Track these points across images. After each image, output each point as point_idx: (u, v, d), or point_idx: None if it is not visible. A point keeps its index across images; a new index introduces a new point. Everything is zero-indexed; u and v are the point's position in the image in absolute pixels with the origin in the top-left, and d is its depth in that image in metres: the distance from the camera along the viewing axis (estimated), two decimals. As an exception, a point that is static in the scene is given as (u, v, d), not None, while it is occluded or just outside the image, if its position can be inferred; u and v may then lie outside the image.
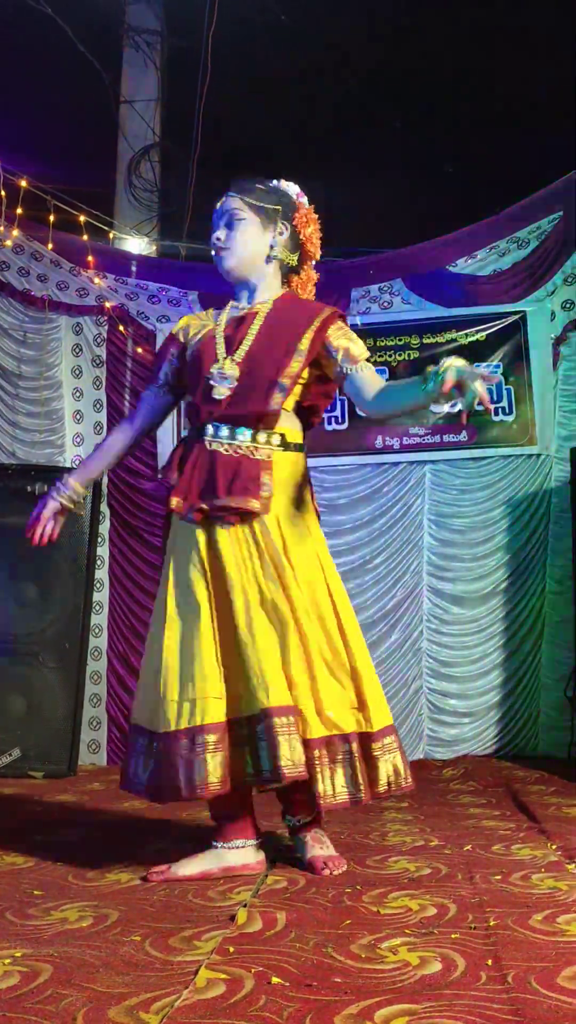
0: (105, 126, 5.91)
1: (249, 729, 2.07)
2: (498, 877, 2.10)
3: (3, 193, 4.62)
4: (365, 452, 4.97)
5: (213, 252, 2.43)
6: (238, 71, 5.83)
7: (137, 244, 5.85)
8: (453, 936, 1.65)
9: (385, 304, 5.07)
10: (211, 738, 2.05)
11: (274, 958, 1.52)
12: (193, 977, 1.42)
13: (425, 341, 4.95)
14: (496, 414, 4.86)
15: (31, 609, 4.35)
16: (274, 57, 6.08)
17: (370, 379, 2.31)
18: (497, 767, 4.37)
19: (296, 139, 5.92)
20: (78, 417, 5.13)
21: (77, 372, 5.13)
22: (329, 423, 5.00)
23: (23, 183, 4.71)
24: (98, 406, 5.10)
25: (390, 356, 4.98)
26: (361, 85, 6.05)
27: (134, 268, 5.18)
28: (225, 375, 2.28)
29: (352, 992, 1.36)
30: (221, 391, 2.27)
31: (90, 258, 5.08)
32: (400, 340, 4.97)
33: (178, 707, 2.09)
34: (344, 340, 2.34)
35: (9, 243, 4.96)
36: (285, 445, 2.30)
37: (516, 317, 4.89)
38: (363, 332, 4.96)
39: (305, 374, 2.34)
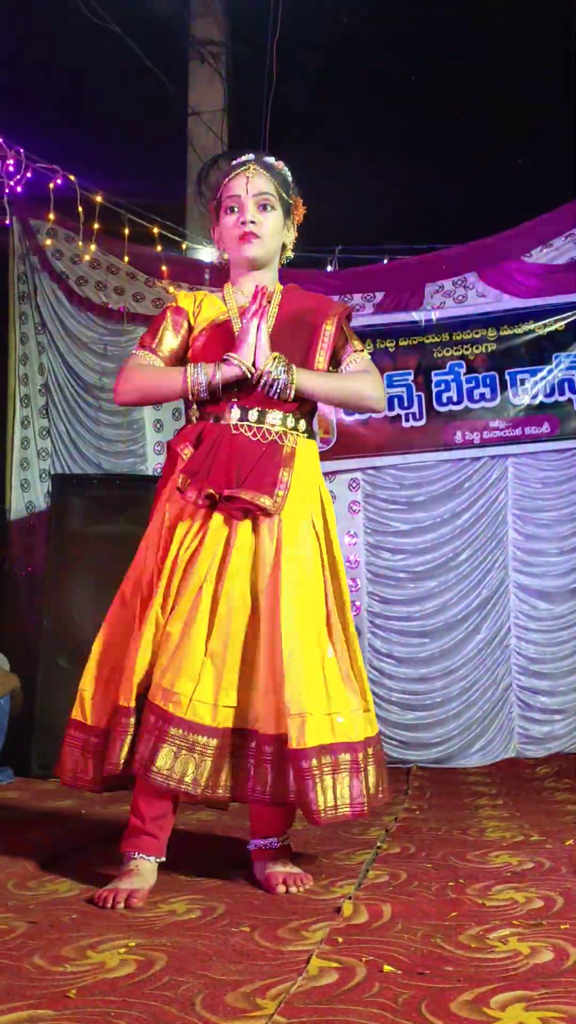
0: (174, 138, 6.00)
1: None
2: (604, 870, 2.06)
3: (80, 209, 4.73)
4: (444, 448, 4.94)
5: (238, 233, 2.21)
6: (303, 76, 5.87)
7: (210, 253, 5.92)
8: (563, 927, 1.63)
9: (459, 298, 5.03)
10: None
11: (384, 948, 1.53)
12: (305, 965, 1.43)
13: (502, 333, 4.90)
14: (577, 405, 4.79)
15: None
16: (339, 61, 6.11)
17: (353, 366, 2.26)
18: (592, 764, 4.29)
19: (365, 139, 5.92)
20: (158, 426, 5.21)
21: (156, 381, 5.21)
22: (407, 420, 4.98)
23: (98, 199, 4.82)
24: (177, 415, 5.18)
25: (467, 350, 4.93)
26: (427, 85, 6.03)
27: (207, 276, 5.24)
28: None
29: (465, 980, 1.36)
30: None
31: (164, 268, 5.16)
32: (476, 333, 4.92)
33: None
34: (351, 336, 2.30)
35: (88, 257, 5.08)
36: (309, 433, 2.24)
37: (596, 305, 4.80)
38: (438, 327, 4.97)
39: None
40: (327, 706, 1.99)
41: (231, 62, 6.26)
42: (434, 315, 5.00)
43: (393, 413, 4.99)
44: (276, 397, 2.12)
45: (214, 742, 1.96)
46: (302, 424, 2.20)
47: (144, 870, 1.99)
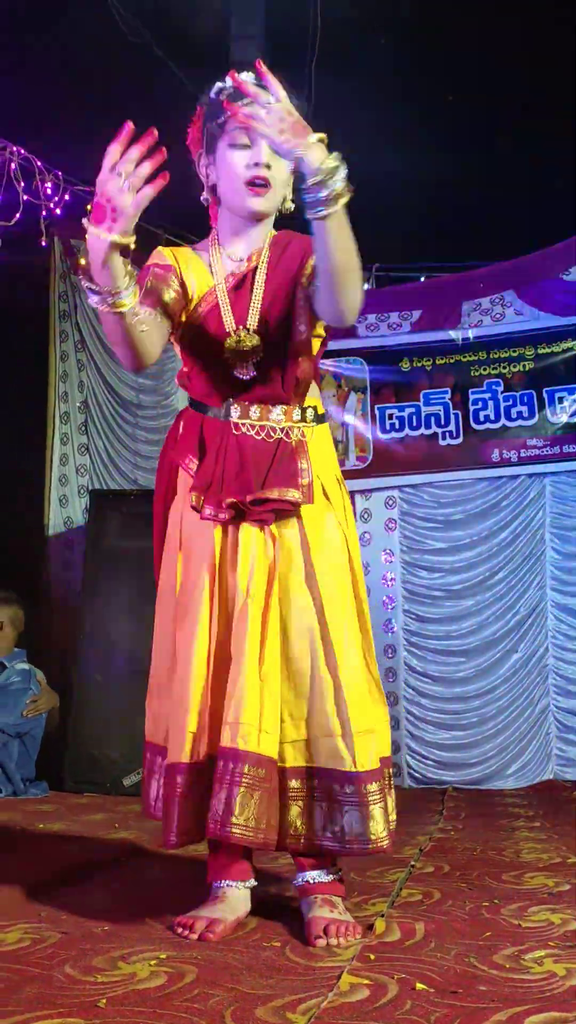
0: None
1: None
2: None
3: None
4: (482, 466, 4.91)
5: (249, 177, 1.80)
6: (340, 99, 5.90)
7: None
8: (601, 949, 1.59)
9: (497, 316, 5.02)
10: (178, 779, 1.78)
11: (416, 966, 1.51)
12: (336, 982, 1.42)
13: (540, 351, 4.87)
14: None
15: (156, 630, 4.43)
16: (377, 83, 6.14)
17: None
18: (632, 787, 4.21)
19: (403, 157, 5.95)
20: (195, 443, 5.24)
21: (193, 399, 5.25)
22: (443, 438, 4.96)
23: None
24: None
25: (504, 368, 4.91)
26: (466, 104, 6.05)
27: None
28: (244, 348, 1.88)
29: (499, 1000, 1.33)
30: (245, 369, 1.90)
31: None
32: (514, 352, 4.90)
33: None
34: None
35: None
36: (318, 418, 1.97)
37: None
38: (475, 345, 4.96)
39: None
40: (363, 724, 1.79)
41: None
42: (471, 333, 4.99)
43: (430, 431, 4.98)
44: (318, 208, 1.63)
45: (276, 775, 1.77)
46: (309, 413, 1.95)
47: (231, 898, 1.83)
